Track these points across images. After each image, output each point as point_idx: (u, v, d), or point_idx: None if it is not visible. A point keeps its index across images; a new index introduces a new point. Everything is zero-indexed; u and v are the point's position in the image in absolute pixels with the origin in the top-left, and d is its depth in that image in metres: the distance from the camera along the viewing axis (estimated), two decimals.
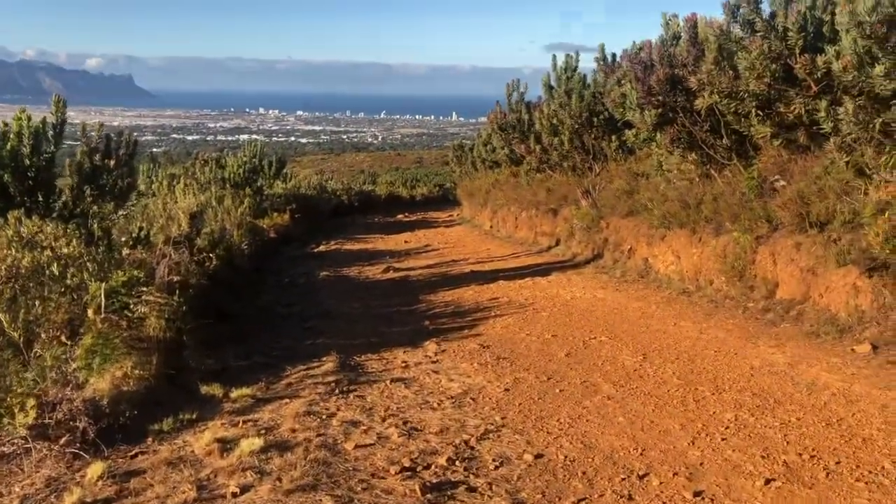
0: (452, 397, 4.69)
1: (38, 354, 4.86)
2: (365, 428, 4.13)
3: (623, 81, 8.38)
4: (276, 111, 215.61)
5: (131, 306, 5.08)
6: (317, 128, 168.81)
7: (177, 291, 5.33)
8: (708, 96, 6.75)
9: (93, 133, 7.74)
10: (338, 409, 4.44)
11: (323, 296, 8.85)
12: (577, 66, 12.81)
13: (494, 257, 12.19)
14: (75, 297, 5.34)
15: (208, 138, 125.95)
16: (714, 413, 4.20)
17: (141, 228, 8.19)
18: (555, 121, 12.70)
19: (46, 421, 3.93)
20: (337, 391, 4.80)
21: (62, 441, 3.82)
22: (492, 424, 4.16)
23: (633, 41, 12.38)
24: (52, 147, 6.87)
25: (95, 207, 7.23)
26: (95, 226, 7.05)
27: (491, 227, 17.53)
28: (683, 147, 8.11)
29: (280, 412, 4.40)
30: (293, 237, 16.21)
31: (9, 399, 4.01)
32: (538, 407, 4.44)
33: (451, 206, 27.59)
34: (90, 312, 4.97)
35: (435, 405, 4.55)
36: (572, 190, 12.50)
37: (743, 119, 7.23)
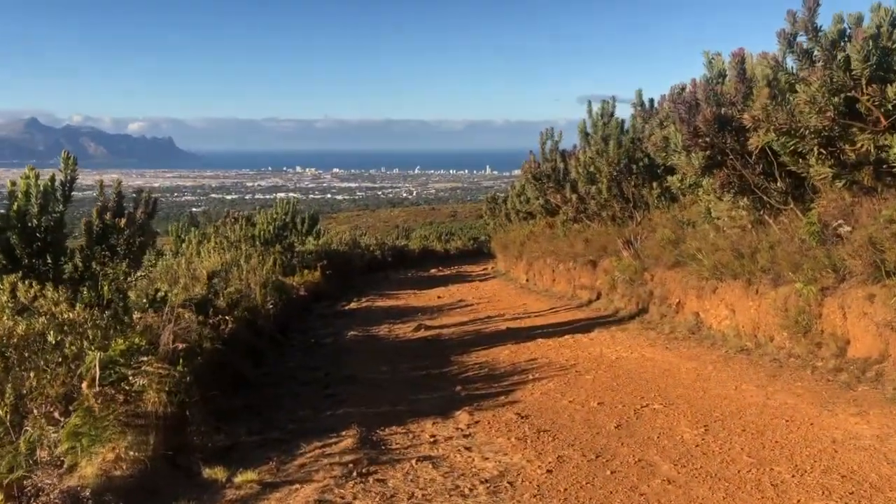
0: (487, 480, 4.07)
1: (27, 433, 4.40)
2: None
3: (665, 123, 7.85)
4: (313, 169, 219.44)
5: (130, 378, 4.59)
6: (352, 184, 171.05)
7: (180, 360, 4.82)
8: (763, 135, 6.16)
9: (109, 191, 7.42)
10: (354, 498, 3.85)
11: (349, 358, 8.30)
12: (613, 112, 12.33)
13: (531, 313, 11.57)
14: (72, 367, 4.88)
15: (246, 197, 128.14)
16: (800, 502, 3.51)
17: (157, 290, 7.80)
18: (592, 168, 12.18)
19: None
20: (355, 473, 4.22)
21: None
22: None
23: (670, 85, 11.94)
24: (61, 206, 6.52)
25: (107, 269, 6.83)
26: (105, 288, 6.66)
27: (527, 280, 16.93)
28: (734, 192, 7.49)
29: (288, 501, 3.82)
30: (324, 294, 15.78)
31: None
32: (587, 494, 3.80)
33: (486, 259, 27.07)
34: (84, 386, 4.49)
35: (466, 491, 3.93)
36: (612, 240, 11.89)
37: (800, 159, 6.63)
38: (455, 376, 7.05)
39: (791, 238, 7.26)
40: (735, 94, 7.02)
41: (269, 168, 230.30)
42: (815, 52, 5.72)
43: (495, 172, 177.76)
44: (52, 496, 3.45)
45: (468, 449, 4.64)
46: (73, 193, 6.91)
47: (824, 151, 5.96)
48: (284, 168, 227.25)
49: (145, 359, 4.67)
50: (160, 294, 7.40)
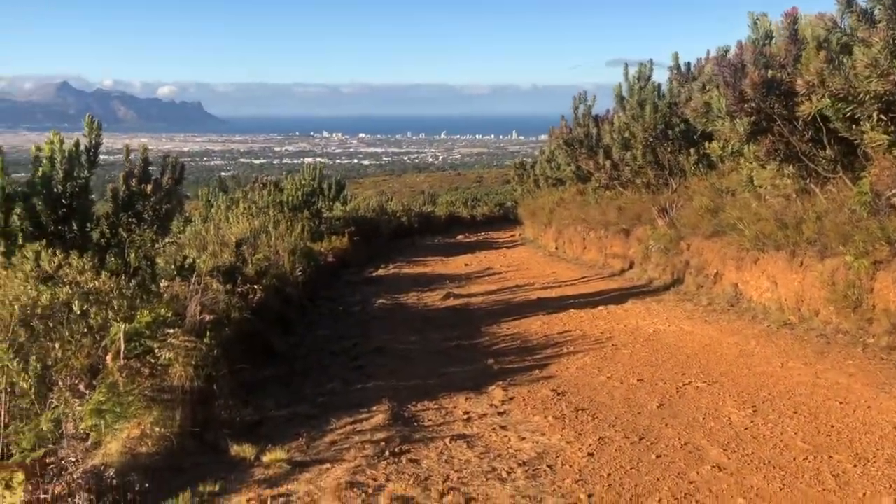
0: (525, 463, 3.89)
1: (53, 406, 4.30)
2: None
3: (708, 87, 7.49)
4: (340, 134, 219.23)
5: (156, 351, 4.46)
6: (378, 150, 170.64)
7: (207, 332, 4.68)
8: (817, 101, 5.81)
9: (136, 156, 7.25)
10: (387, 480, 3.69)
11: (378, 327, 8.15)
12: (650, 76, 11.90)
13: (562, 282, 11.33)
14: (98, 338, 4.76)
15: (274, 162, 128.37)
16: (866, 496, 3.29)
17: (185, 257, 7.68)
18: (626, 134, 11.80)
19: (42, 496, 3.30)
20: (387, 453, 4.06)
21: None
22: None
23: (706, 49, 11.45)
24: (86, 172, 6.36)
25: (134, 236, 6.70)
26: (133, 256, 6.54)
27: (556, 248, 16.65)
28: (780, 159, 7.15)
29: (318, 483, 3.67)
30: (352, 261, 15.66)
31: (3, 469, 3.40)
32: (632, 480, 3.60)
33: (513, 226, 26.79)
34: (108, 359, 4.36)
35: (504, 474, 3.75)
36: (646, 208, 11.56)
37: (854, 126, 6.27)
38: (486, 348, 6.87)
39: (839, 208, 6.92)
40: (785, 57, 6.64)
41: (297, 133, 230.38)
42: (877, 12, 5.34)
43: (521, 138, 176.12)
44: (74, 475, 3.33)
45: (504, 428, 4.46)
46: (103, 157, 6.77)
47: (884, 118, 5.60)
48: (311, 133, 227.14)
49: (171, 331, 4.53)
50: (188, 262, 7.29)
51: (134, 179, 6.64)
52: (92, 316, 4.80)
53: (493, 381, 5.55)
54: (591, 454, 3.97)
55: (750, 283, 7.95)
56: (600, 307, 8.58)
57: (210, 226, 11.23)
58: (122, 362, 4.30)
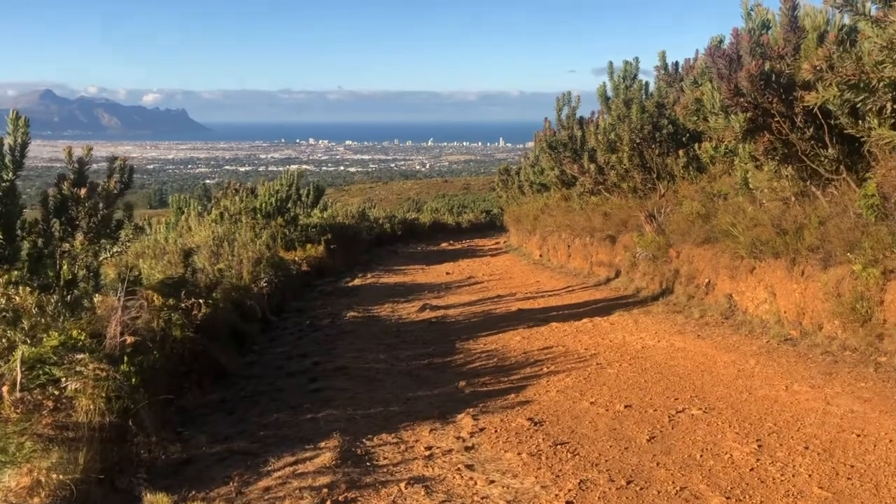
0: None
1: None
2: None
3: (700, 82, 6.92)
4: (326, 141, 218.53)
5: (62, 381, 3.81)
6: (365, 157, 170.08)
7: (125, 357, 4.03)
8: (823, 90, 5.23)
9: (82, 158, 6.59)
10: None
11: (344, 343, 7.50)
12: (636, 75, 11.33)
13: (545, 292, 10.73)
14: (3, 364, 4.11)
15: (260, 169, 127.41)
16: None
17: (130, 268, 7.05)
18: (612, 136, 11.22)
19: None
20: (329, 503, 3.42)
21: None
22: None
23: (695, 49, 10.92)
24: (11, 174, 5.70)
25: (66, 245, 6.04)
26: (65, 267, 5.88)
27: (540, 255, 16.08)
28: (778, 159, 6.58)
29: None
30: (328, 270, 15.03)
31: None
32: None
33: (498, 233, 26.26)
34: (4, 391, 3.71)
35: None
36: (633, 214, 10.99)
37: (859, 121, 5.71)
38: (459, 367, 6.24)
39: (844, 212, 6.35)
40: (784, 46, 6.08)
41: (283, 140, 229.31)
42: None
43: (509, 145, 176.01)
44: None
45: (470, 468, 3.83)
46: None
47: None
48: (297, 140, 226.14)
49: (81, 356, 3.87)
50: (133, 274, 6.66)
51: (65, 183, 5.97)
52: None
53: (464, 407, 4.92)
54: (569, 502, 3.34)
55: (745, 294, 7.38)
56: (585, 319, 7.98)
57: (171, 234, 10.56)
58: (17, 395, 3.65)
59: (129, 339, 4.22)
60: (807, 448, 3.81)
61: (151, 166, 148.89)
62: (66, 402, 3.73)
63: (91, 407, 3.70)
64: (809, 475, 3.47)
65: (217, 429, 4.66)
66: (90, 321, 4.52)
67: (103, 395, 3.75)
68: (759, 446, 3.88)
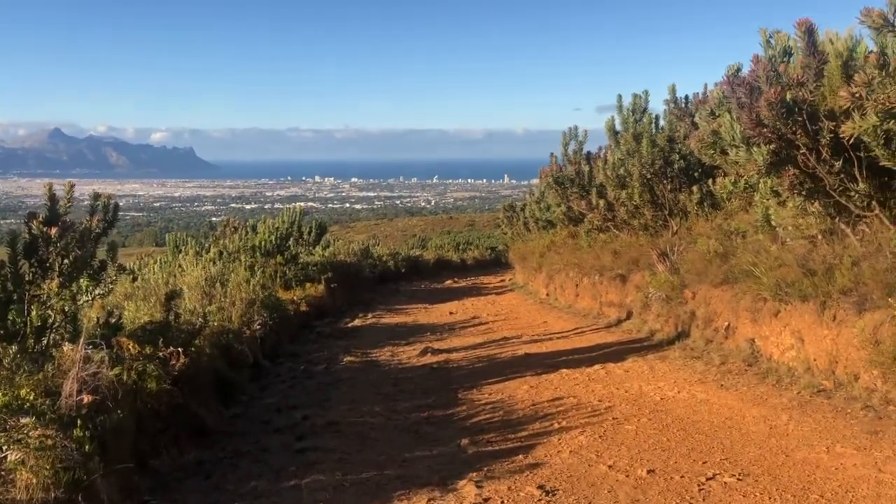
0: None
1: None
2: None
3: (717, 113, 6.48)
4: (332, 179, 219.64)
5: (2, 449, 3.31)
6: (371, 194, 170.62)
7: (79, 421, 3.54)
8: (860, 119, 4.78)
9: (55, 195, 6.17)
10: None
11: (338, 394, 6.98)
12: (646, 108, 10.94)
13: (553, 334, 10.21)
14: None
15: (266, 206, 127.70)
16: None
17: (110, 313, 6.57)
18: (622, 171, 10.79)
19: None
20: None
21: None
22: None
23: (703, 83, 10.54)
24: None
25: (35, 288, 5.58)
26: (35, 313, 5.42)
27: (547, 294, 15.57)
28: (804, 194, 6.11)
29: None
30: (328, 310, 14.55)
31: None
32: None
33: (503, 270, 25.76)
34: None
35: None
36: (644, 252, 10.50)
37: None
38: (462, 421, 5.72)
39: (878, 252, 5.87)
40: (804, 73, 5.65)
41: (289, 177, 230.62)
42: None
43: (514, 182, 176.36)
44: None
45: None
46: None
47: None
48: (304, 178, 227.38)
49: (26, 420, 3.38)
50: (112, 319, 6.21)
51: (34, 221, 5.53)
52: None
53: (466, 471, 4.40)
54: None
55: (770, 339, 6.85)
56: (596, 366, 7.45)
57: (162, 275, 10.11)
58: None
59: (87, 399, 3.73)
60: None
61: (158, 204, 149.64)
62: (5, 476, 3.24)
63: (33, 481, 3.20)
64: None
65: (188, 498, 4.14)
66: (47, 376, 4.05)
67: (47, 466, 3.25)
68: None
